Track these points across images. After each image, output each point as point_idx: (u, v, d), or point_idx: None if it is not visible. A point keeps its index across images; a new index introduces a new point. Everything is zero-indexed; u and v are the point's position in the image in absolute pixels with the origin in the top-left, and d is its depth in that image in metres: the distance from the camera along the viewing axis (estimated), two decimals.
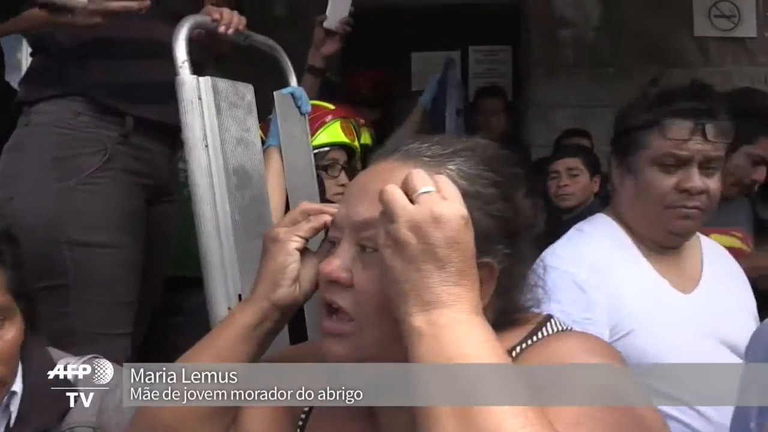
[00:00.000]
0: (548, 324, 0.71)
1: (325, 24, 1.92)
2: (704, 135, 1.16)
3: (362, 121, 2.27)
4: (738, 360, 1.19)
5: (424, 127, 2.80)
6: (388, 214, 0.63)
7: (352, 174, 2.05)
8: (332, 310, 0.69)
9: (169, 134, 1.48)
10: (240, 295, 1.27)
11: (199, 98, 1.21)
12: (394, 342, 0.63)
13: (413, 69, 4.15)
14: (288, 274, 0.75)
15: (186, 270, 1.69)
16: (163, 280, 1.66)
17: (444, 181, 0.64)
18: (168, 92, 1.32)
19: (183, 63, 1.21)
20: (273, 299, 0.75)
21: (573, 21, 3.95)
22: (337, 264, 0.68)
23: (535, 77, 4.04)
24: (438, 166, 0.68)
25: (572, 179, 2.76)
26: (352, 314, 0.67)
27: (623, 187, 1.26)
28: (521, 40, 4.19)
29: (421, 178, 0.64)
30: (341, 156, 1.89)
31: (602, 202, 2.97)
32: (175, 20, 1.30)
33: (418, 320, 0.60)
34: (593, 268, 1.20)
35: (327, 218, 0.75)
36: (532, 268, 0.74)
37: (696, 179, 1.17)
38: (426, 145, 0.70)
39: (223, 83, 1.28)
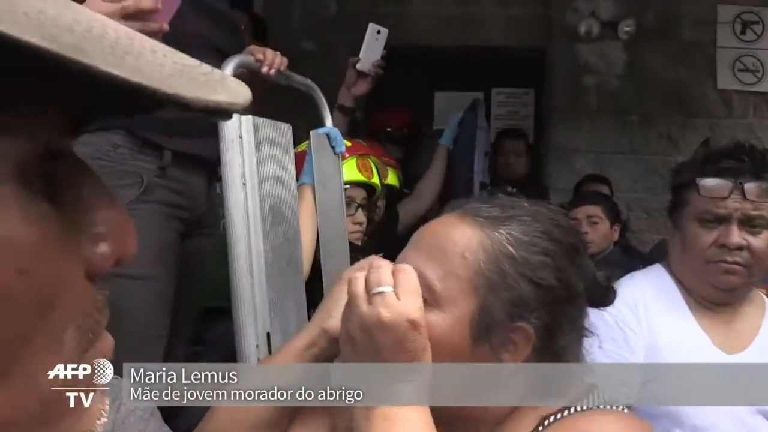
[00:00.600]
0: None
1: (358, 66, 1.97)
2: (743, 193, 1.18)
3: (391, 161, 2.28)
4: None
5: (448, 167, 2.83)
6: (349, 307, 0.68)
7: (371, 212, 2.06)
8: None
9: (206, 167, 1.50)
10: (268, 333, 1.27)
11: (240, 137, 1.23)
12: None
13: (436, 109, 4.19)
14: (341, 307, 0.78)
15: (209, 301, 1.70)
16: (196, 314, 1.65)
17: (404, 279, 0.68)
18: (206, 126, 1.34)
19: None
20: (323, 326, 0.80)
21: (597, 68, 3.98)
22: None
23: (556, 121, 4.06)
24: (491, 227, 0.72)
25: (592, 227, 2.75)
26: None
27: (673, 241, 1.30)
28: (545, 84, 4.22)
29: (381, 276, 0.68)
30: (358, 194, 1.90)
31: (622, 250, 2.97)
32: (220, 56, 1.32)
33: (360, 412, 0.66)
34: (636, 309, 1.23)
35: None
36: (580, 340, 0.74)
37: (734, 235, 1.18)
38: (487, 206, 0.75)
39: (263, 122, 1.30)
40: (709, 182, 1.20)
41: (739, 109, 3.89)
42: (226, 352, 1.35)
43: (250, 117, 1.26)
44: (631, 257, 2.77)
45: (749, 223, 1.19)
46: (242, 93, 0.29)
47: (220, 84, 0.28)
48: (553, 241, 0.72)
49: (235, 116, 1.28)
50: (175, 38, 1.32)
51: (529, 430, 0.69)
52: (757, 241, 1.19)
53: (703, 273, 1.23)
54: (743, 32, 3.87)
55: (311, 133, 1.53)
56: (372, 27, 1.97)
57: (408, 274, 0.68)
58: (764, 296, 1.33)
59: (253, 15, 3.03)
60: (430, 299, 0.70)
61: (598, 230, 2.75)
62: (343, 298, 0.78)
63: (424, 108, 4.01)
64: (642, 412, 1.10)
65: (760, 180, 1.18)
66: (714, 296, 1.25)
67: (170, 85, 0.26)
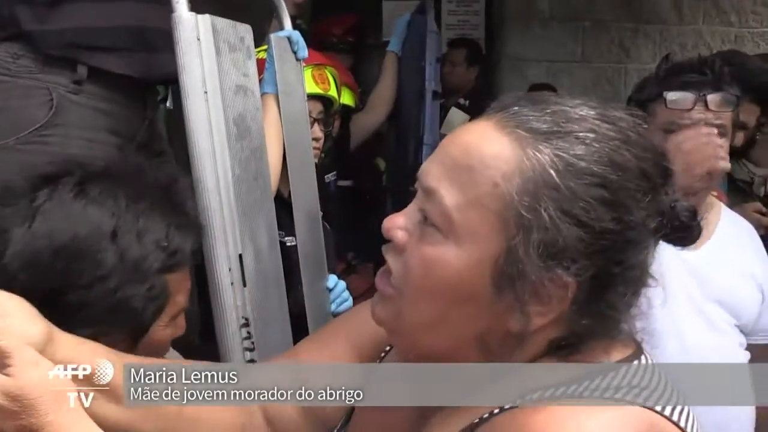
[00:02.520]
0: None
1: None
2: (705, 105, 1.25)
3: (348, 80, 2.15)
4: (728, 317, 1.29)
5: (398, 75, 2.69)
6: None
7: (328, 126, 1.94)
8: (387, 267, 0.63)
9: (140, 88, 1.29)
10: (240, 255, 1.18)
11: (198, 39, 1.09)
12: (435, 329, 0.59)
13: (384, 17, 4.01)
14: None
15: None
16: None
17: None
18: (135, 39, 1.17)
19: None
20: None
21: None
22: (399, 223, 0.61)
23: (508, 30, 3.95)
24: (533, 144, 0.56)
25: None
26: (394, 282, 0.61)
27: None
28: None
29: None
30: (314, 107, 1.77)
31: None
32: None
33: None
34: None
35: None
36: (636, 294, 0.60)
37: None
38: (537, 113, 0.57)
39: (222, 22, 1.16)
40: (674, 95, 1.25)
41: (689, 15, 3.88)
42: None
43: (208, 16, 1.12)
44: None
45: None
46: None
47: None
48: (616, 168, 0.56)
49: (191, 15, 1.14)
50: None
51: (504, 401, 0.57)
52: None
53: None
54: None
55: (271, 36, 1.39)
56: None
57: None
58: (717, 200, 1.41)
59: None
60: (445, 229, 0.57)
61: None
62: None
63: (371, 18, 3.83)
64: None
65: (721, 91, 1.26)
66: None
67: None
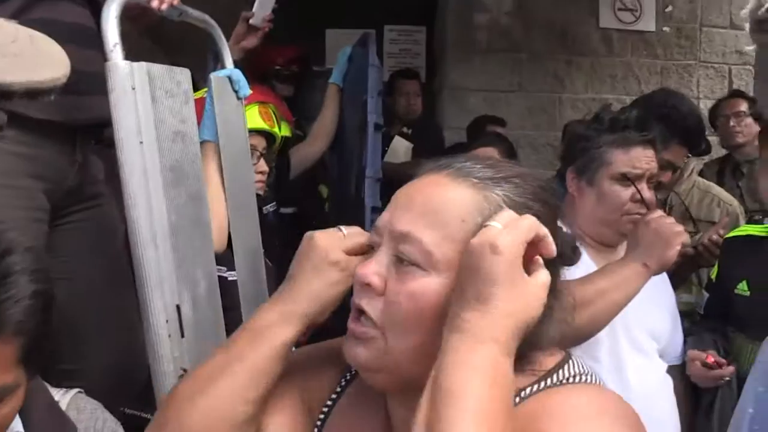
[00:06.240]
0: (566, 366, 0.70)
1: (252, 21, 1.99)
2: (651, 157, 1.44)
3: (285, 113, 2.17)
4: (653, 343, 1.47)
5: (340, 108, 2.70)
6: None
7: (269, 161, 1.96)
8: (360, 312, 0.69)
9: (66, 132, 1.25)
10: (178, 306, 1.15)
11: (133, 88, 1.07)
12: (419, 355, 0.65)
13: (327, 46, 4.03)
14: (338, 302, 0.75)
15: None
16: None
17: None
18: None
19: (114, 46, 1.05)
20: (316, 320, 0.75)
21: (487, 5, 3.97)
22: (372, 269, 0.68)
23: (449, 59, 4.04)
24: (486, 188, 0.68)
25: None
26: (378, 322, 0.68)
27: (584, 196, 1.47)
28: (437, 22, 4.17)
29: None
30: (259, 142, 1.83)
31: None
32: None
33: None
34: None
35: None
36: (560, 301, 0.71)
37: (649, 193, 1.43)
38: (478, 166, 0.70)
39: (158, 69, 1.14)
40: (630, 148, 1.42)
41: (618, 48, 4.06)
42: None
43: (144, 64, 1.09)
44: None
45: (649, 180, 1.44)
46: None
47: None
48: (543, 203, 0.70)
49: (126, 63, 1.11)
50: None
51: None
52: (652, 194, 1.45)
53: (616, 224, 1.45)
54: None
55: (212, 76, 1.37)
56: None
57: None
58: None
59: None
60: (425, 263, 0.66)
61: None
62: (344, 294, 0.74)
63: (314, 46, 3.84)
64: None
65: (657, 145, 1.46)
66: (615, 240, 1.49)
67: None
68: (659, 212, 1.39)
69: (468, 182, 0.69)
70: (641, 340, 1.46)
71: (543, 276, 0.64)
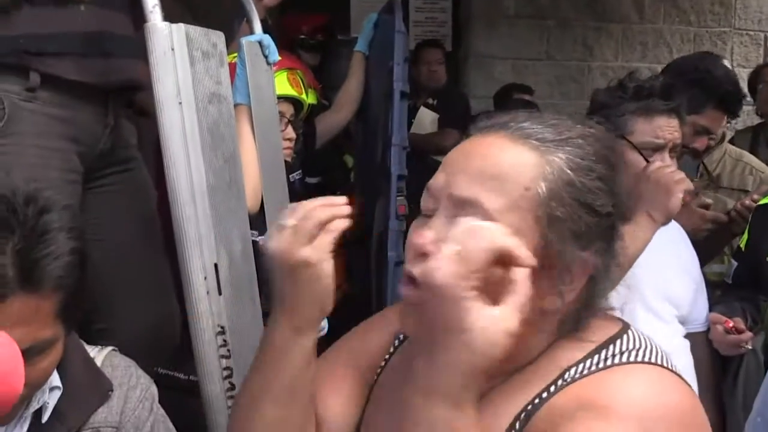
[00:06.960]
0: (624, 338, 0.67)
1: None
2: (676, 126, 1.41)
3: (312, 81, 2.17)
4: (671, 309, 1.47)
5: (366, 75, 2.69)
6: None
7: (297, 128, 1.97)
8: (413, 279, 0.64)
9: (98, 94, 1.25)
10: (216, 265, 1.18)
11: (172, 49, 1.08)
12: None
13: (353, 14, 4.00)
14: (331, 296, 0.73)
15: None
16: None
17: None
18: (89, 45, 1.13)
19: (154, 8, 1.07)
20: (325, 314, 0.74)
21: None
22: (429, 237, 0.63)
23: (474, 28, 3.99)
24: (548, 152, 0.65)
25: None
26: None
27: None
28: None
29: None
30: (288, 109, 1.83)
31: None
32: None
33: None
34: None
35: (344, 224, 0.71)
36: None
37: (669, 161, 1.39)
38: (540, 126, 0.67)
39: (195, 31, 1.15)
40: (653, 118, 1.39)
41: (650, 15, 3.97)
42: None
43: (182, 25, 1.11)
44: None
45: (672, 150, 1.41)
46: None
47: None
48: (606, 164, 0.67)
49: (165, 25, 1.13)
50: None
51: (546, 382, 0.65)
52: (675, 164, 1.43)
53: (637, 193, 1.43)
54: None
55: (242, 41, 1.38)
56: None
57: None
58: None
59: None
60: None
61: None
62: (330, 286, 0.71)
63: (340, 14, 3.82)
64: None
65: (681, 113, 1.43)
66: (634, 213, 1.42)
67: None
68: (658, 163, 1.35)
69: (529, 144, 0.65)
70: (656, 305, 1.45)
71: (508, 307, 0.57)
